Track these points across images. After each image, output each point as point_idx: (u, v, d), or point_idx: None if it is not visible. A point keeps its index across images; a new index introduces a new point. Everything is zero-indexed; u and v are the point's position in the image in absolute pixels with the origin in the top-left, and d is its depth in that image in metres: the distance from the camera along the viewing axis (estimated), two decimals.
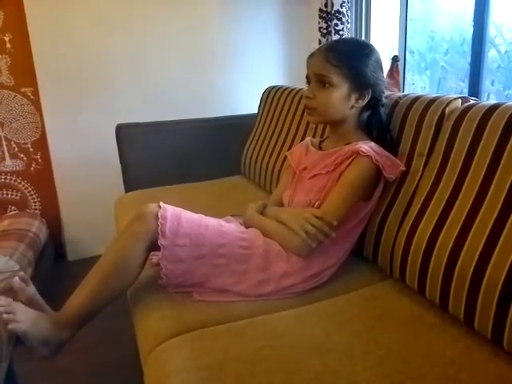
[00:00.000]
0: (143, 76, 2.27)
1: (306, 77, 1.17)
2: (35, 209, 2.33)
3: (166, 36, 2.27)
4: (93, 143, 2.25)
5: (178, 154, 2.06)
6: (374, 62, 1.13)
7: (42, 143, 2.25)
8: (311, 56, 1.16)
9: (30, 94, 2.19)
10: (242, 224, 1.18)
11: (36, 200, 2.32)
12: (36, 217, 2.10)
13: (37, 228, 1.99)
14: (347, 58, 1.10)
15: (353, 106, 1.15)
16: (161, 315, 0.98)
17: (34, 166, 2.28)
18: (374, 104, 1.17)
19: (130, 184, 1.99)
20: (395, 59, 1.89)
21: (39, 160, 2.28)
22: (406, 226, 1.05)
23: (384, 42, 2.28)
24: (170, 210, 1.03)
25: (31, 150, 2.26)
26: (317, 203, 1.11)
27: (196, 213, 1.09)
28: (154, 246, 1.02)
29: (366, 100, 1.15)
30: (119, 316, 1.36)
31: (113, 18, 2.18)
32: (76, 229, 2.35)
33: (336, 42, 1.16)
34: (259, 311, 0.98)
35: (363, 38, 2.28)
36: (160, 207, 1.03)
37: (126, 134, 1.98)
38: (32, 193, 2.31)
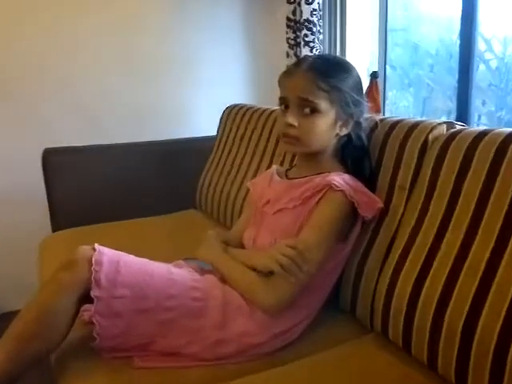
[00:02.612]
0: (74, 89, 2.23)
1: (282, 99, 1.18)
2: None
3: (99, 39, 2.24)
4: (12, 173, 2.18)
5: (120, 184, 2.04)
6: (356, 83, 1.18)
7: None
8: (289, 75, 1.18)
9: None
10: (196, 270, 1.18)
11: None
12: None
13: None
14: (334, 81, 1.13)
15: (337, 135, 1.19)
16: None
17: None
18: (354, 130, 1.21)
19: (59, 221, 1.94)
20: (374, 75, 1.97)
21: None
22: (387, 271, 1.07)
23: (361, 56, 2.36)
24: (106, 254, 1.02)
25: None
26: None
27: (140, 257, 1.09)
28: (86, 299, 1.00)
29: (350, 127, 1.19)
30: None
31: (27, 15, 2.10)
32: None
33: (316, 60, 1.18)
34: (217, 378, 0.97)
35: (338, 51, 2.35)
36: (94, 250, 1.02)
37: (54, 161, 1.95)
38: None
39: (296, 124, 1.14)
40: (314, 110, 1.13)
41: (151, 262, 1.09)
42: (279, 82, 1.20)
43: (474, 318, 0.86)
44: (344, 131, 1.19)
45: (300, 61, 1.20)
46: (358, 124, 1.21)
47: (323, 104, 1.13)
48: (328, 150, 1.21)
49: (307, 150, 1.19)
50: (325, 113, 1.14)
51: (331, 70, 1.15)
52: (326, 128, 1.15)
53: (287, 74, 1.19)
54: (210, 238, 1.26)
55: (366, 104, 1.22)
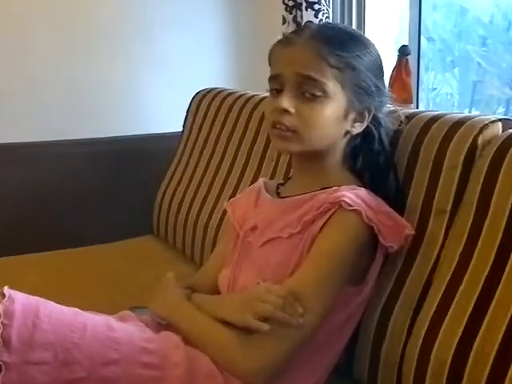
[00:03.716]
0: None
1: (274, 78, 1.19)
2: None
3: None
4: None
5: (45, 198, 2.04)
6: (375, 63, 1.19)
7: None
8: (285, 45, 1.19)
9: None
10: (149, 325, 1.18)
11: None
12: None
13: None
14: (348, 55, 1.14)
15: (347, 132, 1.19)
16: None
17: None
18: (372, 128, 1.21)
19: None
20: (404, 51, 1.97)
21: None
22: (420, 328, 1.07)
23: (386, 24, 2.38)
24: (20, 302, 1.01)
25: None
26: None
27: (69, 305, 1.08)
28: None
29: (366, 122, 1.20)
30: None
31: None
32: None
33: (323, 26, 1.19)
34: None
35: (354, 16, 2.37)
36: (3, 296, 1.01)
37: None
38: None
39: (292, 110, 1.14)
40: (321, 93, 1.13)
41: (84, 312, 1.08)
42: (271, 55, 1.21)
43: None
44: (358, 128, 1.19)
45: (301, 28, 1.21)
46: (376, 120, 1.21)
47: (332, 85, 1.13)
48: (336, 154, 1.21)
49: (306, 150, 1.19)
50: (333, 98, 1.14)
51: (344, 40, 1.16)
52: (334, 120, 1.16)
53: (283, 43, 1.19)
54: (167, 283, 1.26)
55: (388, 93, 1.23)
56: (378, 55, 1.21)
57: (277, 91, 1.18)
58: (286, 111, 1.14)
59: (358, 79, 1.15)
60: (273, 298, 1.01)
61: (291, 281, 1.08)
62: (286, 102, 1.14)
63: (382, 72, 1.23)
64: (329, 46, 1.13)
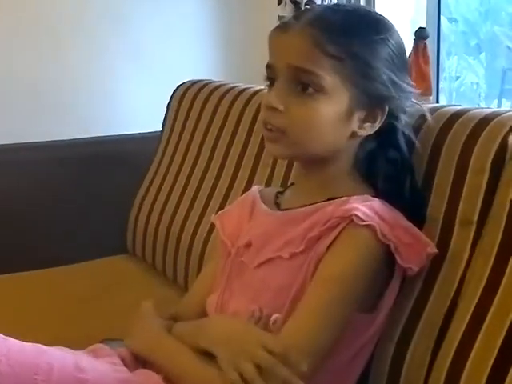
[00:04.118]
0: None
1: (268, 67, 1.19)
2: None
3: None
4: None
5: (2, 212, 2.04)
6: (393, 54, 1.17)
7: None
8: (281, 31, 1.18)
9: None
10: (124, 359, 1.17)
11: None
12: None
13: None
14: (352, 42, 1.12)
15: (354, 134, 1.17)
16: None
17: None
18: (389, 130, 1.19)
19: None
20: (421, 35, 1.96)
21: None
22: (442, 361, 1.06)
23: (400, 3, 2.38)
24: None
25: None
26: (273, 317, 1.10)
27: (29, 339, 1.08)
28: None
29: (379, 124, 1.17)
30: None
31: None
32: None
33: (326, 10, 1.17)
34: None
35: (363, 1, 2.37)
36: None
37: None
38: None
39: (281, 107, 1.13)
40: (316, 88, 1.12)
41: (49, 349, 1.08)
42: (269, 42, 1.20)
43: None
44: (368, 130, 1.17)
45: (302, 11, 1.21)
46: (395, 122, 1.19)
47: (330, 79, 1.11)
48: (343, 160, 1.20)
49: (300, 153, 1.19)
50: (332, 94, 1.12)
51: (350, 25, 1.14)
52: (335, 119, 1.14)
53: (279, 29, 1.18)
54: (144, 313, 1.25)
55: (411, 88, 1.20)
56: (399, 42, 1.19)
57: (270, 82, 1.18)
58: (274, 109, 1.13)
59: (366, 71, 1.13)
60: (263, 356, 0.99)
61: (296, 316, 1.06)
62: (274, 98, 1.13)
63: (403, 62, 1.21)
64: (328, 32, 1.11)
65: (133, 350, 1.21)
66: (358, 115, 1.15)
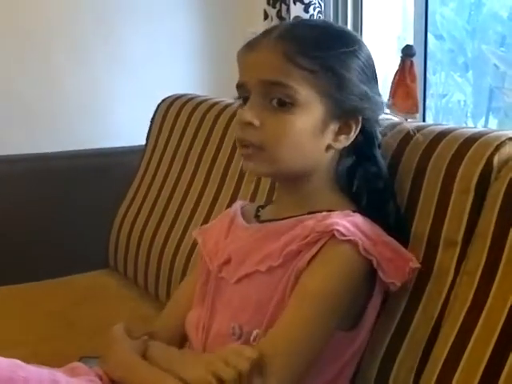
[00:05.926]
0: None
1: (239, 87, 1.20)
2: None
3: None
4: None
5: None
6: (364, 65, 1.18)
7: None
8: (250, 48, 1.19)
9: None
10: (101, 378, 1.17)
11: None
12: None
13: None
14: (324, 54, 1.13)
15: (329, 147, 1.17)
16: None
17: None
18: (364, 143, 1.20)
19: None
20: (408, 52, 1.96)
21: None
22: (427, 379, 1.06)
23: (387, 20, 2.37)
24: None
25: None
26: (254, 334, 1.10)
27: (4, 356, 1.07)
28: None
29: (353, 135, 1.18)
30: None
31: None
32: None
33: (297, 25, 1.19)
34: None
35: (350, 10, 2.36)
36: None
37: None
38: None
39: (257, 122, 1.13)
40: (290, 102, 1.12)
41: (25, 365, 1.07)
42: (238, 61, 1.21)
43: None
44: (343, 142, 1.17)
45: (272, 27, 1.21)
46: (371, 135, 1.20)
47: (304, 92, 1.12)
48: (321, 173, 1.20)
49: (276, 170, 1.19)
50: (306, 107, 1.13)
51: (321, 38, 1.16)
52: (310, 133, 1.14)
53: (248, 47, 1.19)
54: (116, 337, 1.23)
55: (381, 100, 1.21)
56: (368, 55, 1.20)
57: (243, 100, 1.18)
58: (250, 124, 1.13)
59: (339, 83, 1.14)
60: (239, 360, 0.99)
61: (275, 329, 1.06)
62: (249, 113, 1.13)
63: (373, 74, 1.22)
64: (299, 45, 1.13)
65: (107, 374, 1.19)
66: (333, 127, 1.16)
